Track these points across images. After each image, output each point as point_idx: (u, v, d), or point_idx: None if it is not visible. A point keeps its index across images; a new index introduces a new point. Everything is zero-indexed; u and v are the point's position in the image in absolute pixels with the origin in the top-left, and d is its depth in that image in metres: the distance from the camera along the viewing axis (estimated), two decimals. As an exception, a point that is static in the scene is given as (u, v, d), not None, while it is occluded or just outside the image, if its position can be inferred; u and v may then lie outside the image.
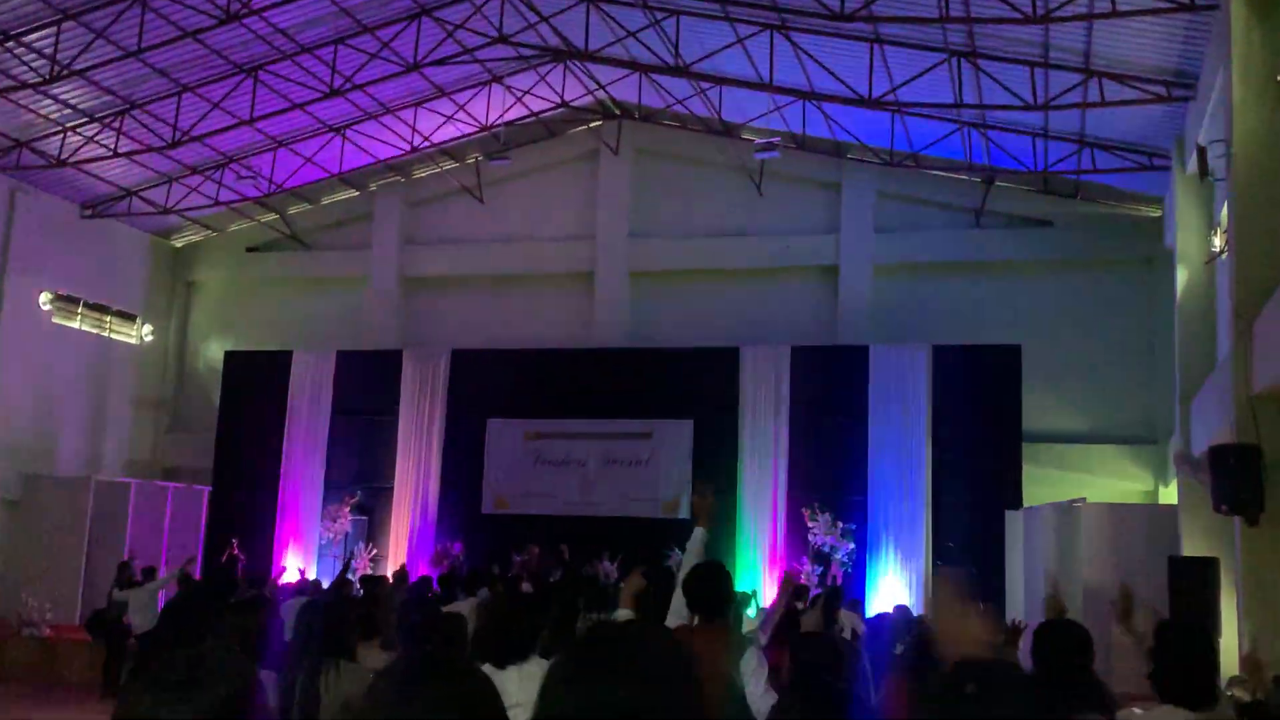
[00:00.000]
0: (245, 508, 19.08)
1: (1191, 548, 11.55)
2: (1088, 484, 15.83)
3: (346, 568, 13.44)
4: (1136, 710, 4.80)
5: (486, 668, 4.36)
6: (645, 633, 1.77)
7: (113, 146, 17.88)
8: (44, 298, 19.15)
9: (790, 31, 15.31)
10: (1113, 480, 16.82)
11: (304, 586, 13.75)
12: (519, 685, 4.18)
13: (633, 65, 17.58)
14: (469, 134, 19.92)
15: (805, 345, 17.93)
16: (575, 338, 19.56)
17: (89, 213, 20.09)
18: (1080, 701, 4.54)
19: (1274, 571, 9.56)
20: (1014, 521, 15.24)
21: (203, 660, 1.96)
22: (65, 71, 15.61)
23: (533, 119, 19.78)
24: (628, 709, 1.60)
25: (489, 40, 16.54)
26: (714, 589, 5.01)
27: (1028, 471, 16.32)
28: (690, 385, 17.88)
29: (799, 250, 19.21)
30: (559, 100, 18.84)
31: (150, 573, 14.75)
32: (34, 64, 15.58)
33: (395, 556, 18.06)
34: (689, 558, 5.27)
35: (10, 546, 18.36)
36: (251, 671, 2.08)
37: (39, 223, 19.03)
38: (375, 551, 18.47)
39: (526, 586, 13.42)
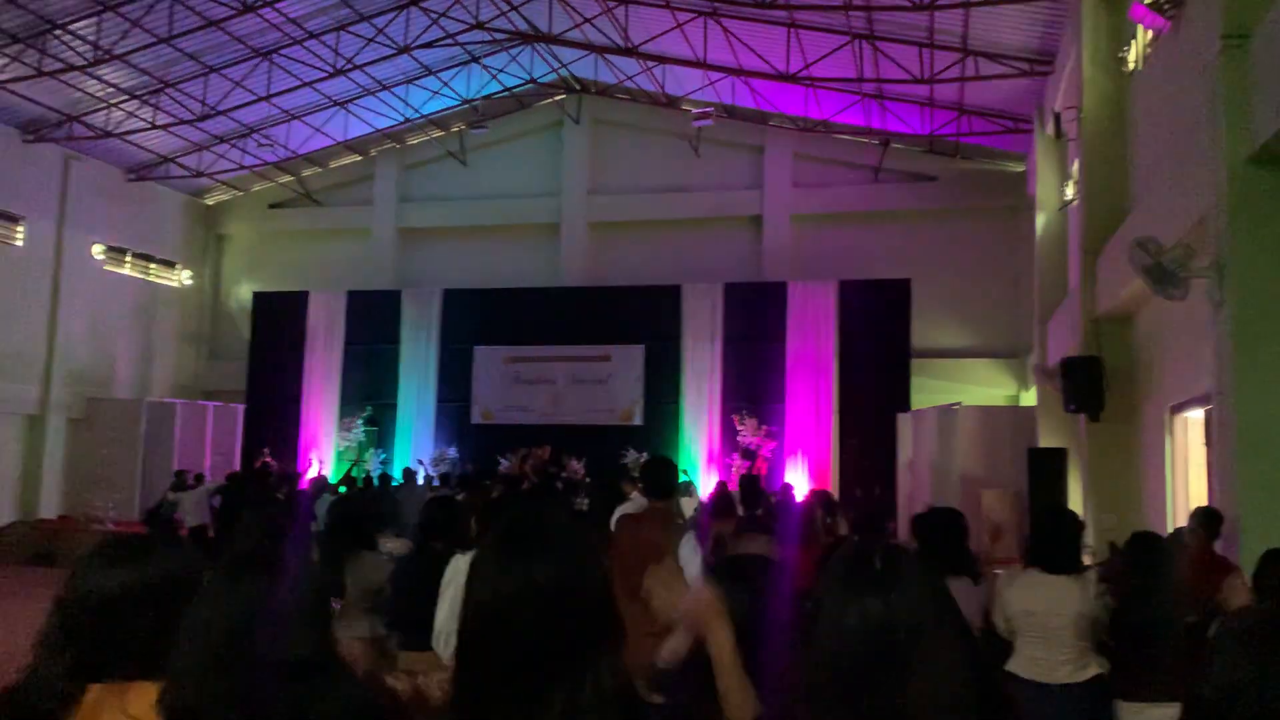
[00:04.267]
0: (274, 422, 18.88)
1: (1046, 441, 11.73)
2: (963, 391, 16.00)
3: (352, 469, 13.29)
4: (999, 571, 4.88)
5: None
6: (555, 521, 1.64)
7: (151, 120, 17.39)
8: (96, 249, 18.66)
9: (721, 18, 15.08)
10: (983, 388, 16.99)
11: (324, 483, 13.59)
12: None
13: (589, 47, 17.26)
14: (453, 107, 19.53)
15: (735, 282, 17.85)
16: (545, 278, 19.34)
17: (133, 176, 19.51)
18: (954, 570, 4.58)
19: (1111, 458, 9.77)
20: (904, 422, 15.39)
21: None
22: (106, 56, 15.10)
23: (506, 94, 19.39)
24: (541, 587, 1.52)
25: (468, 26, 16.25)
26: (660, 474, 5.21)
27: (915, 382, 16.46)
28: (641, 316, 17.78)
29: (730, 202, 19.10)
30: (528, 77, 18.49)
31: (199, 479, 14.59)
32: (79, 49, 15.03)
33: (401, 459, 17.98)
34: None
35: (77, 457, 18.14)
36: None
37: (90, 185, 18.49)
38: (385, 456, 18.40)
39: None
